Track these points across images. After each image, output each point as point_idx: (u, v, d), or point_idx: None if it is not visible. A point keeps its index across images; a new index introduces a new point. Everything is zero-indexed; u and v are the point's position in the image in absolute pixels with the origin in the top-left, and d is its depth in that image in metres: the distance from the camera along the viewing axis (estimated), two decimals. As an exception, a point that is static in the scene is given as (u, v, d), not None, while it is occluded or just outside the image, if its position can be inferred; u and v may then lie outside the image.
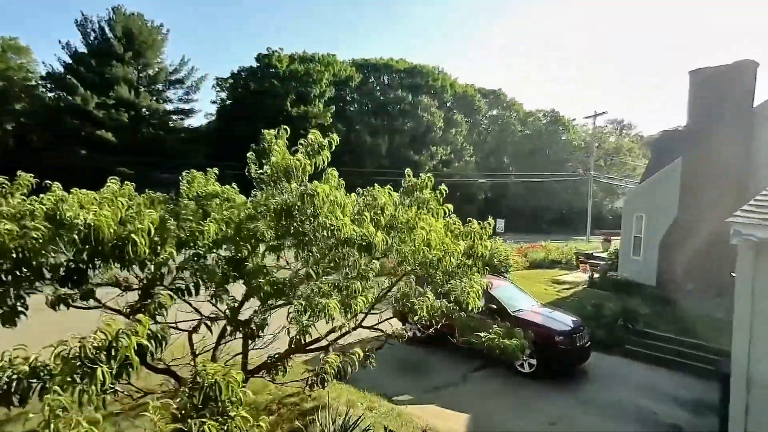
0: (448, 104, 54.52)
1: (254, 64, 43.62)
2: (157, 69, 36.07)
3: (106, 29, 33.64)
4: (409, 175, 6.04)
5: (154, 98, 35.32)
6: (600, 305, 11.27)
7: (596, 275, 17.00)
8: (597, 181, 41.41)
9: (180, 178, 5.10)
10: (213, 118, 47.19)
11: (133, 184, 4.55)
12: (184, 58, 37.12)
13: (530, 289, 15.95)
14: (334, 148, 5.56)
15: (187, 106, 38.74)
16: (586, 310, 11.47)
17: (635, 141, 66.88)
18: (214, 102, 47.75)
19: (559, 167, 57.05)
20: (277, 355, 5.06)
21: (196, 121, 41.48)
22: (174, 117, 37.09)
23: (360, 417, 5.91)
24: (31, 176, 3.90)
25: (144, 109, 33.25)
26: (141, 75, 35.41)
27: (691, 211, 13.14)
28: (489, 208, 55.50)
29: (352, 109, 46.85)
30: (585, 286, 15.83)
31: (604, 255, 19.67)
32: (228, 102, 42.92)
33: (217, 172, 5.26)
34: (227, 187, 5.31)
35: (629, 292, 14.37)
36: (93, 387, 2.38)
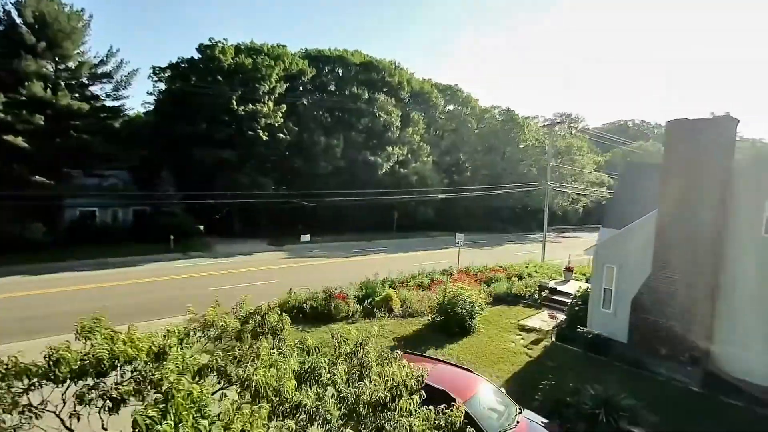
0: (405, 101, 52.66)
1: (195, 56, 39.57)
2: (78, 62, 31.43)
3: (14, 14, 28.74)
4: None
5: (76, 95, 30.85)
6: (578, 390, 10.14)
7: (563, 318, 16.13)
8: (550, 180, 41.46)
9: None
10: (149, 114, 42.70)
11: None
12: (112, 49, 32.71)
13: (497, 341, 14.81)
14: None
15: (116, 104, 34.40)
16: (564, 392, 10.33)
17: (584, 140, 68.26)
18: (151, 93, 43.27)
19: (514, 166, 57.11)
20: None
21: (127, 120, 37.03)
22: (101, 116, 32.74)
23: None
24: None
25: (64, 109, 28.89)
26: (59, 69, 30.74)
27: (664, 272, 12.29)
28: (445, 207, 54.87)
29: (305, 104, 43.88)
30: (553, 337, 14.84)
31: (568, 290, 18.90)
32: (165, 97, 38.72)
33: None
34: None
35: (599, 350, 13.49)
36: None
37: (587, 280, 21.61)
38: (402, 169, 47.47)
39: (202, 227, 39.92)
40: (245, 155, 38.43)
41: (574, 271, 21.26)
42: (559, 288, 19.09)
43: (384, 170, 45.30)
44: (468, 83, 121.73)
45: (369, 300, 18.21)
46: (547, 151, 35.05)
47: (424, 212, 49.77)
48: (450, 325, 15.19)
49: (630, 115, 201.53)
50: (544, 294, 18.94)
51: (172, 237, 33.06)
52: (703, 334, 11.71)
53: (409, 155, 49.16)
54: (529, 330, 15.80)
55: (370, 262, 32.07)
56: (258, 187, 39.09)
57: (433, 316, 16.11)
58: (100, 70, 32.66)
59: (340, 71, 50.65)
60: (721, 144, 11.39)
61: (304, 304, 17.18)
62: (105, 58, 32.87)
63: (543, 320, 16.68)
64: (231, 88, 37.16)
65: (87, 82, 32.78)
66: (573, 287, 19.44)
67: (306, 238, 38.94)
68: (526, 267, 24.61)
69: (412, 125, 50.52)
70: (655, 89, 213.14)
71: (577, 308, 15.65)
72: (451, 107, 62.03)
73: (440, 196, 38.98)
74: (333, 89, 48.37)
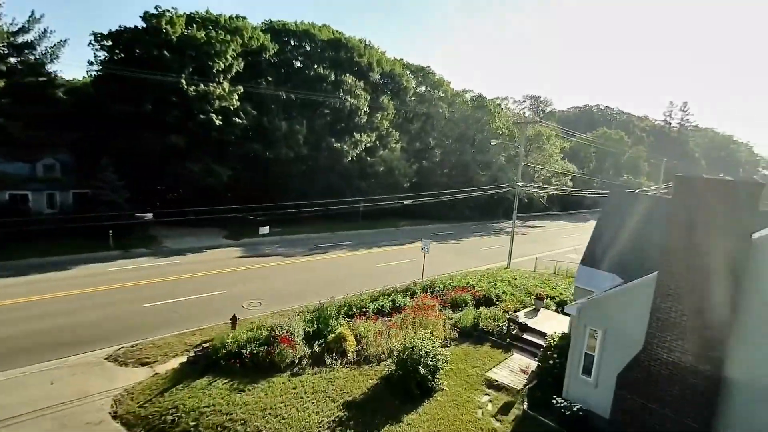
0: (374, 83, 48.68)
1: (140, 25, 34.17)
2: (-12, 28, 26.08)
3: None
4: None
5: (-11, 69, 25.69)
6: None
7: (537, 367, 14.04)
8: (516, 166, 39.06)
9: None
10: (82, 88, 37.12)
11: None
12: (34, 14, 27.22)
13: (463, 408, 12.51)
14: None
15: (41, 79, 29.11)
16: None
17: (552, 128, 66.53)
18: (92, 63, 37.68)
19: (484, 154, 54.80)
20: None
21: (56, 97, 31.76)
22: (21, 93, 27.61)
23: None
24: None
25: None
26: (-37, 37, 25.36)
27: (659, 349, 10.15)
28: (414, 194, 52.19)
29: (266, 85, 39.39)
30: (525, 403, 12.69)
31: (541, 327, 16.82)
32: (105, 72, 33.45)
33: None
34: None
35: (578, 428, 11.45)
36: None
37: (559, 309, 19.71)
38: (369, 158, 44.18)
39: (150, 216, 35.75)
40: (197, 141, 34.14)
41: (544, 301, 19.23)
42: (530, 323, 16.99)
43: (350, 158, 41.91)
44: (439, 66, 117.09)
45: (320, 341, 15.55)
46: (518, 146, 32.51)
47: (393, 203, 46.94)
48: (409, 385, 12.78)
49: (595, 100, 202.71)
50: (513, 330, 16.82)
51: (111, 232, 29.02)
52: (700, 419, 9.76)
53: (378, 142, 45.80)
54: (498, 387, 13.62)
55: (329, 264, 29.37)
56: (212, 176, 35.12)
57: (392, 368, 13.66)
58: (18, 40, 27.27)
59: (307, 47, 45.89)
60: (741, 210, 9.06)
61: (244, 349, 14.34)
62: (26, 25, 27.42)
63: (513, 371, 14.54)
64: (180, 64, 32.38)
65: (2, 53, 27.37)
66: (545, 322, 17.41)
67: (265, 230, 35.61)
68: (495, 286, 22.47)
69: (382, 110, 46.87)
70: (618, 76, 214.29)
71: (552, 362, 13.54)
72: (422, 89, 58.40)
73: (406, 202, 36.18)
74: (298, 68, 43.79)
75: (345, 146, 41.38)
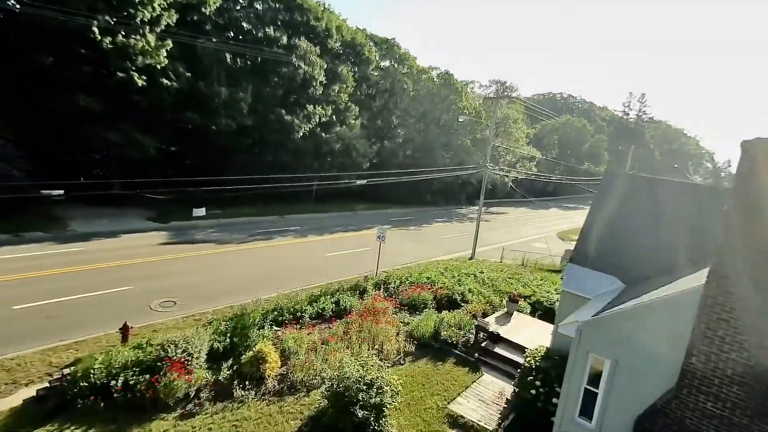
0: (333, 51, 43.76)
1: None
2: None
3: None
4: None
5: None
6: None
7: (513, 393, 10.70)
8: (482, 150, 35.75)
9: None
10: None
11: None
12: None
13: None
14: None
15: None
16: None
17: (519, 111, 64.09)
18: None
19: (449, 136, 51.46)
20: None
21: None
22: None
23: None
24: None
25: None
26: None
27: (709, 388, 6.91)
28: (373, 175, 48.28)
29: (203, 45, 33.76)
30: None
31: (516, 338, 13.52)
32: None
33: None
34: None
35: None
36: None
37: (534, 312, 16.54)
38: (324, 134, 39.62)
39: (61, 193, 29.85)
40: (116, 105, 28.43)
41: (519, 303, 15.99)
42: (504, 333, 13.67)
43: (303, 133, 37.23)
44: (404, 42, 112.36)
45: (232, 361, 11.54)
46: (487, 125, 29.07)
47: (348, 183, 42.81)
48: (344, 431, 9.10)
49: (559, 88, 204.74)
50: (483, 342, 13.44)
51: (-5, 211, 23.33)
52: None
53: (334, 117, 41.21)
54: (465, 427, 10.17)
55: (271, 253, 25.08)
56: (135, 147, 29.62)
57: (324, 403, 9.90)
58: None
59: (258, 6, 40.28)
60: None
61: (116, 379, 10.10)
62: None
63: (484, 401, 11.14)
64: (91, 6, 26.38)
65: None
66: (522, 331, 14.16)
67: (200, 212, 30.46)
68: (459, 282, 19.04)
69: (340, 82, 42.18)
70: (581, 66, 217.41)
71: (534, 392, 10.20)
72: (386, 64, 53.90)
73: (358, 182, 32.22)
74: (244, 26, 38.25)
75: (297, 120, 36.62)
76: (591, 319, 8.49)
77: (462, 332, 13.80)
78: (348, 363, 10.01)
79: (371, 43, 50.45)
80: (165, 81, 29.64)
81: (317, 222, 35.74)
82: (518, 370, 11.25)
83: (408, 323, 14.82)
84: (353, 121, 42.88)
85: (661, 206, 11.83)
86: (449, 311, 15.72)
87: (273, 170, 37.51)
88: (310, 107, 38.19)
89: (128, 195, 30.94)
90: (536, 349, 11.30)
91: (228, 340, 12.16)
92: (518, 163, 62.38)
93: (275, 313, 14.35)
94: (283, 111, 36.47)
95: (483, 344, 13.27)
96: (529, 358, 11.00)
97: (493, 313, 16.03)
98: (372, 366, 9.93)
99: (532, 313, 16.35)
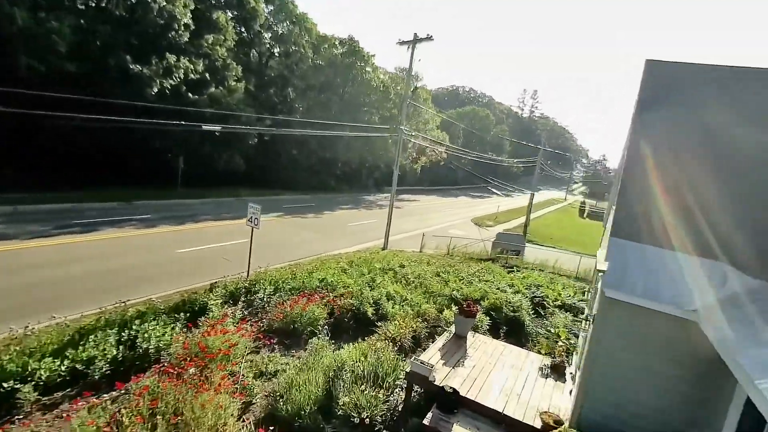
0: (207, -5, 33.94)
1: None
2: None
3: None
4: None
5: None
6: None
7: None
8: (393, 134, 29.49)
9: None
10: None
11: None
12: None
13: None
14: None
15: None
16: None
17: (428, 93, 59.71)
18: None
19: (355, 114, 44.49)
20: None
21: None
22: None
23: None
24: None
25: None
26: None
27: None
28: (263, 156, 39.58)
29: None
30: None
31: (500, 401, 6.89)
32: None
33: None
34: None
35: None
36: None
37: (496, 329, 10.20)
38: (193, 94, 29.97)
39: None
40: None
41: (476, 317, 9.39)
42: (463, 385, 6.95)
43: (158, 89, 27.27)
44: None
45: None
46: (394, 83, 22.35)
47: (230, 161, 33.68)
48: None
49: (460, 82, 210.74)
50: (422, 408, 6.61)
51: None
52: None
53: (208, 74, 31.64)
54: None
55: (84, 250, 15.52)
56: None
57: None
58: None
59: None
60: None
61: None
62: None
63: None
64: None
65: None
66: (492, 375, 7.56)
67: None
68: (371, 283, 12.03)
69: (216, 32, 32.67)
70: (481, 61, 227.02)
71: None
72: (281, 28, 44.95)
73: (207, 126, 23.66)
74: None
75: (148, 71, 26.56)
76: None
77: (382, 391, 6.76)
78: None
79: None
80: None
81: (181, 209, 26.30)
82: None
83: (274, 374, 7.42)
84: (234, 83, 33.66)
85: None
86: (356, 341, 8.63)
87: (116, 141, 27.13)
88: (172, 58, 28.31)
89: None
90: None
91: None
92: (428, 149, 58.04)
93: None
94: (129, 57, 26.19)
95: (426, 420, 6.35)
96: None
97: (432, 337, 9.32)
98: None
99: (493, 330, 10.00)
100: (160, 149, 30.08)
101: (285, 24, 44.51)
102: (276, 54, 43.71)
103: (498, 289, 12.86)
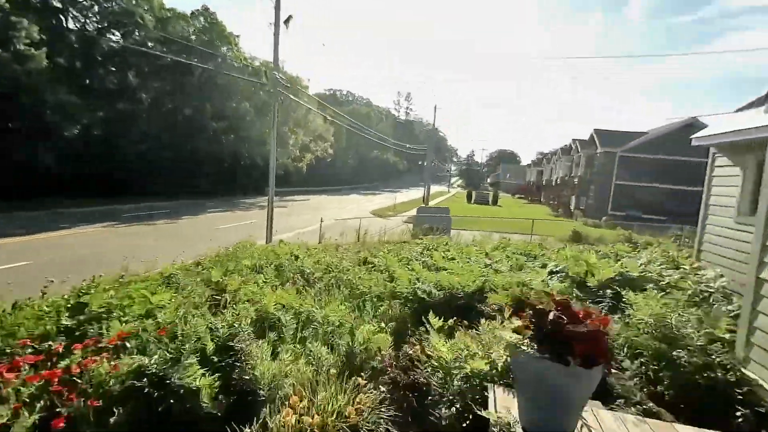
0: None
1: None
2: None
3: None
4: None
5: None
6: None
7: None
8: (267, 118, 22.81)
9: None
10: None
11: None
12: None
13: None
14: None
15: None
16: None
17: (306, 85, 54.10)
18: None
19: (222, 100, 36.64)
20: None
21: None
22: None
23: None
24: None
25: None
26: None
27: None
28: (98, 154, 29.66)
29: None
30: None
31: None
32: None
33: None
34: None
35: None
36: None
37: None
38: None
39: None
40: None
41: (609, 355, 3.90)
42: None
43: None
44: None
45: None
46: (270, 91, 16.25)
47: (42, 159, 23.70)
48: None
49: (338, 86, 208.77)
50: None
51: None
52: None
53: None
54: None
55: None
56: None
57: None
58: None
59: None
60: None
61: None
62: None
63: None
64: None
65: None
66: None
67: None
68: (240, 286, 5.91)
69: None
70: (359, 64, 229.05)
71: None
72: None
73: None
74: None
75: None
76: None
77: None
78: None
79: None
80: None
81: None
82: None
83: None
84: (30, 51, 23.61)
85: None
86: None
87: None
88: None
89: None
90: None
91: None
92: (312, 143, 52.37)
93: None
94: None
95: None
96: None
97: None
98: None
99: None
100: None
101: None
102: (105, 25, 33.60)
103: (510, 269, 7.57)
